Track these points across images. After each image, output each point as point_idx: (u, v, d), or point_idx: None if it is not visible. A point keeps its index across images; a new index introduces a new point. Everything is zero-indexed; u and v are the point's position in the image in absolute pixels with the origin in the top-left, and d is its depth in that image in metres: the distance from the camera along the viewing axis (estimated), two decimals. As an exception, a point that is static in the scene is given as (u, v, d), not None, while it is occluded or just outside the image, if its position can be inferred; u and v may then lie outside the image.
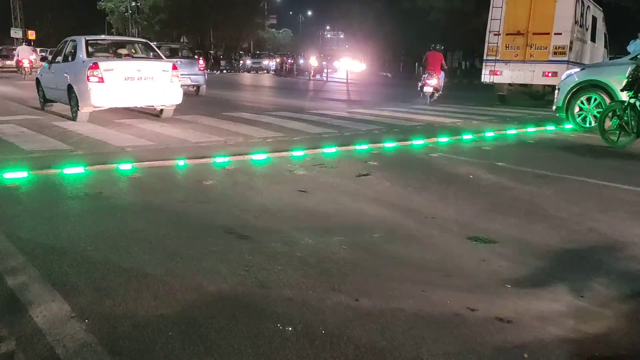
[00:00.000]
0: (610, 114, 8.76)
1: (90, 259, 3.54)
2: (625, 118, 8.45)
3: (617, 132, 8.59)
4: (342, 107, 14.89)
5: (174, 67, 10.63)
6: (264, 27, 72.82)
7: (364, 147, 7.95)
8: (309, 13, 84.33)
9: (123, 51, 11.87)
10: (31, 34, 45.64)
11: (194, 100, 12.33)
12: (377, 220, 4.52)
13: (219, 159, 6.74)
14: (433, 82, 15.67)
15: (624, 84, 8.49)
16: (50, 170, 6.00)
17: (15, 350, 2.47)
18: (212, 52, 56.60)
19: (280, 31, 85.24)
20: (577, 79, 10.49)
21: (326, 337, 2.63)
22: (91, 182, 5.66)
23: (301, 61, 42.71)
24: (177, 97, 10.65)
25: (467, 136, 9.20)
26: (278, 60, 47.31)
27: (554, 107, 10.85)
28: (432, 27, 39.31)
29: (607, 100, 9.77)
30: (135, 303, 2.94)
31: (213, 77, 36.84)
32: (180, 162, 6.56)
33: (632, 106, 8.42)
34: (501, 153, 7.90)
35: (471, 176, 6.24)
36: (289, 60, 44.63)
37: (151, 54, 12.00)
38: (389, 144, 8.17)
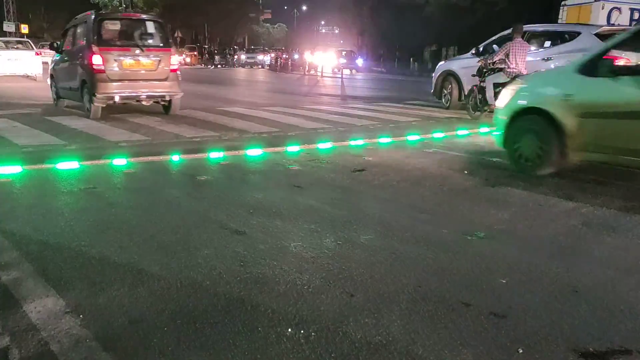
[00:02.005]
0: (472, 95, 11.27)
1: (85, 254, 3.53)
2: (478, 96, 11.10)
3: (475, 107, 11.21)
4: (337, 102, 14.88)
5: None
6: (258, 21, 72.69)
7: (359, 142, 7.95)
8: (304, 8, 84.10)
9: None
10: (24, 28, 45.36)
11: (184, 95, 12.29)
12: (373, 215, 4.52)
13: (213, 154, 6.73)
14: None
15: (475, 71, 10.99)
16: (44, 165, 5.97)
17: (9, 346, 2.46)
18: (206, 46, 56.47)
19: (275, 26, 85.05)
20: (440, 69, 13.46)
21: (321, 333, 2.63)
22: (85, 177, 5.64)
23: (296, 56, 42.64)
24: None
25: (462, 132, 9.21)
26: (273, 55, 47.19)
27: (432, 91, 13.69)
28: (426, 22, 39.32)
29: (456, 84, 12.77)
30: (130, 298, 2.94)
31: (207, 72, 36.77)
32: (175, 157, 6.54)
33: (480, 88, 11.03)
34: (498, 148, 7.90)
35: (466, 172, 6.25)
36: (284, 55, 44.52)
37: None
38: (384, 140, 8.17)
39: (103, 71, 9.65)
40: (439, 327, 2.71)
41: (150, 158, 6.50)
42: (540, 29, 11.66)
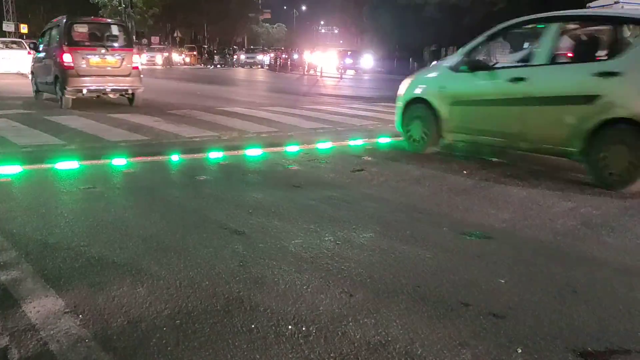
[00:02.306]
0: None
1: (84, 254, 3.53)
2: None
3: None
4: (337, 102, 14.87)
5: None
6: (258, 21, 72.68)
7: (359, 142, 7.95)
8: (303, 8, 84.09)
9: None
10: (23, 28, 45.36)
11: (183, 95, 12.32)
12: (372, 215, 4.53)
13: (213, 154, 6.73)
14: None
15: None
16: (44, 165, 5.97)
17: (8, 346, 2.46)
18: (205, 46, 56.46)
19: (275, 26, 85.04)
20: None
21: (320, 332, 2.63)
22: (85, 177, 5.64)
23: (295, 56, 42.63)
24: None
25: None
26: (272, 55, 47.20)
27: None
28: (426, 22, 39.29)
29: None
30: (129, 298, 2.94)
31: (206, 71, 36.80)
32: (175, 157, 6.54)
33: None
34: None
35: (465, 172, 6.25)
36: (283, 55, 44.52)
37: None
38: (383, 140, 8.17)
39: (72, 67, 11.07)
40: (438, 327, 2.71)
41: (149, 158, 6.50)
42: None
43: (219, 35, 64.49)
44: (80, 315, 2.73)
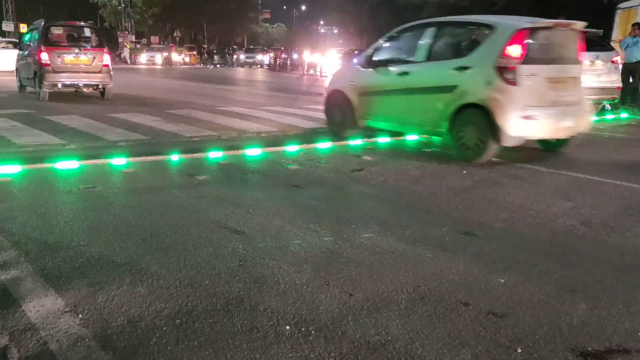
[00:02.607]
0: None
1: (84, 254, 3.53)
2: None
3: None
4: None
5: None
6: (257, 21, 72.63)
7: (358, 142, 7.94)
8: (303, 8, 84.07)
9: None
10: (23, 28, 45.33)
11: (180, 95, 12.38)
12: (371, 215, 4.53)
13: (212, 154, 6.73)
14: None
15: None
16: (44, 165, 5.96)
17: (8, 345, 2.46)
18: (205, 46, 56.42)
19: (274, 26, 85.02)
20: None
21: (320, 332, 2.63)
22: (85, 176, 5.64)
23: (295, 56, 42.59)
24: None
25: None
26: (272, 55, 47.16)
27: None
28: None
29: None
30: (129, 298, 2.94)
31: (206, 71, 36.80)
32: (174, 157, 6.54)
33: None
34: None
35: (464, 171, 6.25)
36: (283, 55, 44.49)
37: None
38: (383, 139, 8.17)
39: (49, 65, 12.48)
40: (438, 327, 2.72)
41: (149, 157, 6.50)
42: None
43: (219, 35, 64.48)
44: (80, 315, 2.74)
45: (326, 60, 33.65)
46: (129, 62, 45.73)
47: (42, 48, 12.59)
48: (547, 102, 6.71)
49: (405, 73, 7.59)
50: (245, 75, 33.69)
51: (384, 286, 3.17)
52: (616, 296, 3.12)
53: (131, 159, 6.31)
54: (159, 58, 44.24)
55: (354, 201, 5.00)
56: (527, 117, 6.50)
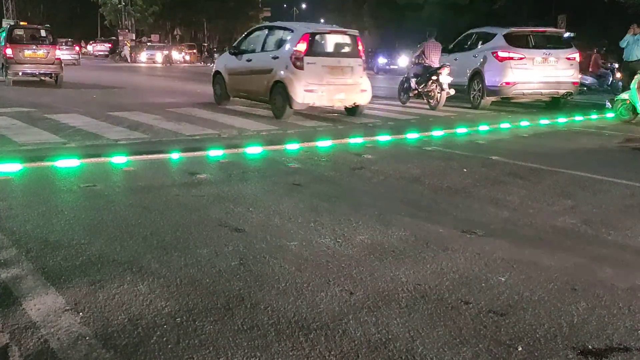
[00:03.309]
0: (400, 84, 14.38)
1: (85, 252, 3.53)
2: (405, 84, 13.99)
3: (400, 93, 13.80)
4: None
5: None
6: (258, 19, 72.45)
7: (359, 140, 7.94)
8: (303, 6, 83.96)
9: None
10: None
11: (187, 94, 12.46)
12: (372, 213, 4.52)
13: (213, 152, 6.72)
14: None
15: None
16: (44, 163, 5.96)
17: (9, 343, 2.46)
18: (205, 44, 56.36)
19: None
20: None
21: (321, 330, 2.63)
22: (85, 175, 5.64)
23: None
24: None
25: (462, 130, 9.22)
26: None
27: None
28: (426, 21, 39.22)
29: None
30: (129, 296, 2.94)
31: (206, 69, 36.72)
32: (175, 155, 6.54)
33: (406, 79, 13.54)
34: (495, 147, 7.92)
35: (465, 169, 6.25)
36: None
37: None
38: (384, 137, 8.17)
39: (13, 58, 16.30)
40: (439, 325, 2.71)
41: (149, 156, 6.49)
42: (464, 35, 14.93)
43: (219, 34, 64.36)
44: (81, 313, 2.74)
45: None
46: (129, 60, 45.69)
47: (8, 45, 16.41)
48: (323, 81, 10.04)
49: (249, 60, 11.24)
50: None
51: (384, 285, 3.17)
52: (617, 295, 3.12)
53: (131, 158, 6.31)
54: (159, 56, 44.21)
55: (355, 199, 5.00)
56: (308, 91, 9.85)
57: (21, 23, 22.82)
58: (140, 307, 2.82)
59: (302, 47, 9.92)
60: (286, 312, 2.80)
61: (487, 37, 13.44)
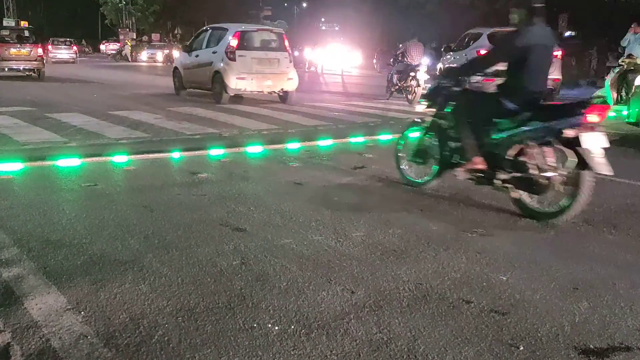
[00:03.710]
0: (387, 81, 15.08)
1: (86, 251, 3.53)
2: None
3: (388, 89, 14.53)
4: (337, 100, 14.85)
5: None
6: (258, 18, 72.39)
7: (360, 139, 7.94)
8: (304, 5, 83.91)
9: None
10: (23, 25, 45.33)
11: (187, 93, 12.56)
12: (373, 213, 4.52)
13: (214, 151, 6.72)
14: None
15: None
16: (45, 162, 5.96)
17: (10, 342, 2.46)
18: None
19: (275, 23, 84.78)
20: None
21: (322, 330, 2.63)
22: (86, 174, 5.64)
23: (296, 53, 42.52)
24: None
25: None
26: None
27: None
28: (427, 19, 39.21)
29: None
30: (131, 295, 2.94)
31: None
32: (175, 155, 6.54)
33: (391, 76, 14.45)
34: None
35: (466, 169, 6.23)
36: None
37: None
38: (385, 136, 8.16)
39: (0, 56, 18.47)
40: (440, 325, 2.71)
41: (150, 155, 6.49)
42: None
43: (220, 33, 64.37)
44: (82, 312, 2.74)
45: (327, 57, 33.57)
46: (130, 59, 45.68)
47: None
48: (253, 71, 12.15)
49: (197, 55, 13.32)
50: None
51: (385, 284, 3.17)
52: (618, 294, 3.12)
53: (132, 157, 6.31)
54: (159, 55, 44.18)
55: (356, 199, 4.99)
56: (240, 78, 12.00)
57: (22, 23, 23.53)
58: (141, 307, 2.82)
59: (234, 42, 12.18)
60: (287, 312, 2.80)
61: (476, 37, 14.59)
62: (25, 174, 5.58)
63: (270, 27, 14.10)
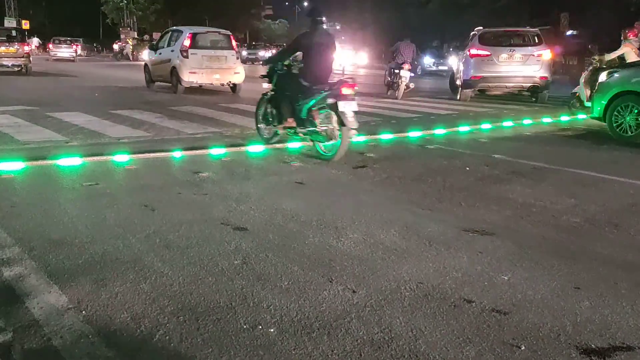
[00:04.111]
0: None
1: (87, 251, 3.53)
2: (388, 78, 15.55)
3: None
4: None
5: None
6: (259, 17, 72.46)
7: (361, 138, 7.93)
8: (305, 4, 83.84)
9: None
10: (25, 24, 45.35)
11: (188, 92, 12.58)
12: (374, 212, 4.52)
13: (215, 151, 6.72)
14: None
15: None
16: (46, 162, 5.97)
17: (12, 342, 2.46)
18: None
19: (276, 22, 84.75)
20: None
21: (323, 329, 2.63)
22: (87, 173, 5.64)
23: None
24: None
25: (464, 128, 9.20)
26: (274, 51, 47.01)
27: None
28: (429, 18, 39.20)
29: None
30: (132, 294, 2.94)
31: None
32: (177, 154, 6.54)
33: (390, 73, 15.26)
34: (498, 145, 7.91)
35: (467, 168, 6.25)
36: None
37: None
38: (386, 136, 8.16)
39: None
40: (442, 324, 2.71)
41: (152, 154, 6.50)
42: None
43: (221, 32, 64.33)
44: (84, 311, 2.74)
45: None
46: (131, 58, 45.69)
47: None
48: (203, 66, 14.13)
49: (160, 53, 15.30)
50: (248, 72, 33.50)
51: (387, 283, 3.17)
52: (620, 293, 3.11)
53: (134, 156, 6.31)
54: (160, 54, 44.25)
55: (357, 198, 4.99)
56: (192, 73, 13.99)
57: (23, 22, 24.05)
58: (143, 306, 2.82)
59: (187, 42, 14.29)
60: (289, 311, 2.80)
61: (472, 37, 15.21)
62: (26, 173, 5.59)
63: (219, 30, 16.19)
